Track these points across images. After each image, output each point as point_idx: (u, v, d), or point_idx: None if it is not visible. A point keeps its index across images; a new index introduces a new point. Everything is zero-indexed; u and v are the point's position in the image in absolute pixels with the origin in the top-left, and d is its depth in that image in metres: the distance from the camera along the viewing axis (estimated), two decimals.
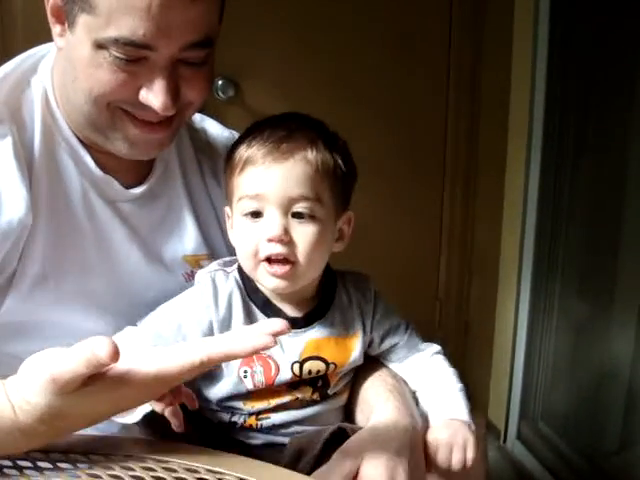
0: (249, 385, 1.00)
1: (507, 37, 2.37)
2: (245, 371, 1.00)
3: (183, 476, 0.78)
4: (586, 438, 2.19)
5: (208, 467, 0.80)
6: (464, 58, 2.57)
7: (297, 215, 0.96)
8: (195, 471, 0.79)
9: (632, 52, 1.96)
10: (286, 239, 0.95)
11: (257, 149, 0.97)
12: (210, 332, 0.99)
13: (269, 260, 0.96)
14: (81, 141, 1.04)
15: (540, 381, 2.39)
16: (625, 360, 2.03)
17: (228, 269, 1.03)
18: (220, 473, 0.79)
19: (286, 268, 0.96)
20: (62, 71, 1.00)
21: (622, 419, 2.06)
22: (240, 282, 1.02)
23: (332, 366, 1.04)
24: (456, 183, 2.66)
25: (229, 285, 1.02)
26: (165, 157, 1.12)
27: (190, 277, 1.11)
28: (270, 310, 1.02)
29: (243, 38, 2.32)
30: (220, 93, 2.36)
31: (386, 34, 2.48)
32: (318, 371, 1.03)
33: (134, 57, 0.91)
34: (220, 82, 2.35)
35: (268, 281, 0.98)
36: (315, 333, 1.03)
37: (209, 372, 1.01)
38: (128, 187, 1.08)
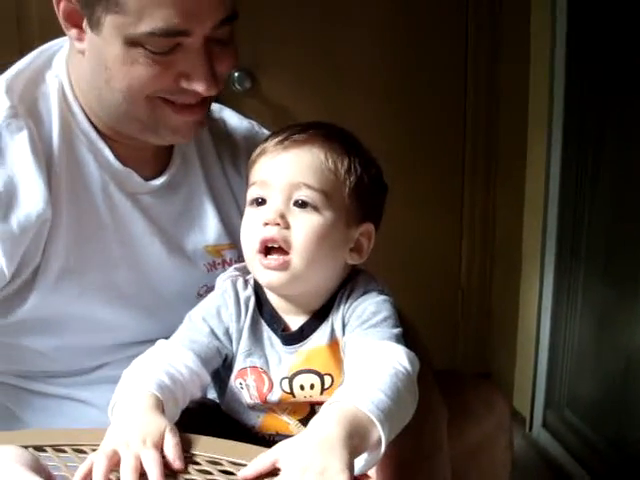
0: (247, 398, 0.99)
1: (524, 28, 2.34)
2: (240, 383, 0.99)
3: (206, 468, 0.78)
4: (613, 425, 2.17)
5: (231, 459, 0.80)
6: (481, 49, 2.53)
7: (299, 204, 0.93)
8: (218, 463, 0.79)
9: None
10: (282, 224, 0.92)
11: (271, 140, 0.97)
12: (227, 339, 0.98)
13: (265, 253, 0.93)
14: (100, 134, 1.04)
15: (565, 368, 2.37)
16: None
17: (247, 276, 1.01)
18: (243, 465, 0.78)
19: (280, 259, 0.92)
20: (89, 73, 1.00)
21: None
22: (255, 291, 1.00)
23: (328, 379, 0.97)
24: (477, 171, 2.64)
25: (247, 293, 1.00)
26: (183, 148, 1.12)
27: (212, 267, 1.11)
28: (276, 323, 0.98)
29: (259, 30, 2.31)
30: (237, 85, 2.35)
31: (404, 28, 2.46)
32: (312, 385, 0.97)
33: (169, 46, 0.93)
34: (237, 74, 2.34)
35: (262, 275, 0.95)
36: (312, 344, 0.98)
37: (217, 380, 1.01)
38: (147, 179, 1.09)
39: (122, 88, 0.96)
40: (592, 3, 2.13)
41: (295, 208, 0.93)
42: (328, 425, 0.77)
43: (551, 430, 2.40)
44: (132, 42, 0.92)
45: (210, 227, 1.14)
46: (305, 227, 0.93)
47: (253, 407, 1.00)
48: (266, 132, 1.21)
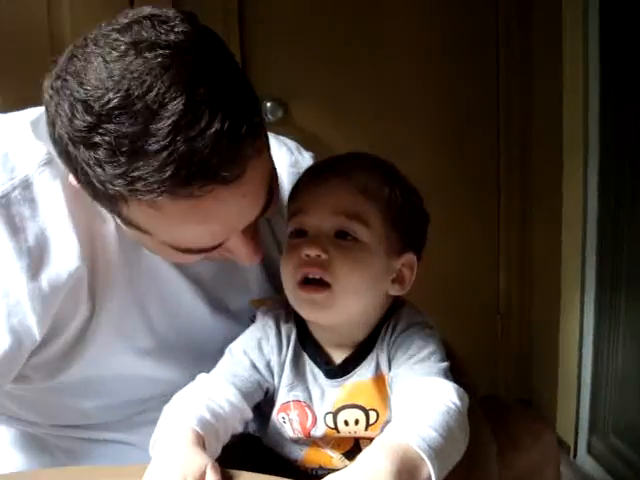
0: (289, 432, 0.97)
1: (556, 51, 2.32)
2: (283, 417, 0.97)
3: None
4: None
5: None
6: (514, 71, 2.52)
7: (340, 235, 0.91)
8: None
9: None
10: (324, 256, 0.90)
11: (311, 169, 0.97)
12: (269, 372, 0.97)
13: (306, 285, 0.91)
14: None
15: (609, 393, 2.32)
16: None
17: (290, 308, 0.99)
18: None
19: (322, 296, 0.90)
20: None
21: None
22: (297, 323, 0.99)
23: (373, 414, 0.95)
24: (512, 196, 2.62)
25: (289, 326, 0.99)
26: None
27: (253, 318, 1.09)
28: (319, 357, 0.97)
29: (290, 59, 2.33)
30: (269, 115, 2.36)
31: (433, 52, 2.47)
32: (357, 421, 0.95)
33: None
34: (269, 104, 2.35)
35: (303, 307, 0.93)
36: (356, 378, 0.96)
37: (258, 414, 0.99)
38: None
39: (168, 257, 0.93)
40: (625, 17, 2.11)
41: (336, 240, 0.92)
42: (377, 460, 0.76)
43: (596, 457, 2.35)
44: (166, 245, 0.87)
45: (253, 278, 1.10)
46: (347, 259, 0.91)
47: (296, 441, 0.99)
48: (306, 155, 1.18)
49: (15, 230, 0.90)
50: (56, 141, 0.81)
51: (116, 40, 0.78)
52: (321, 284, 0.91)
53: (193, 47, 0.78)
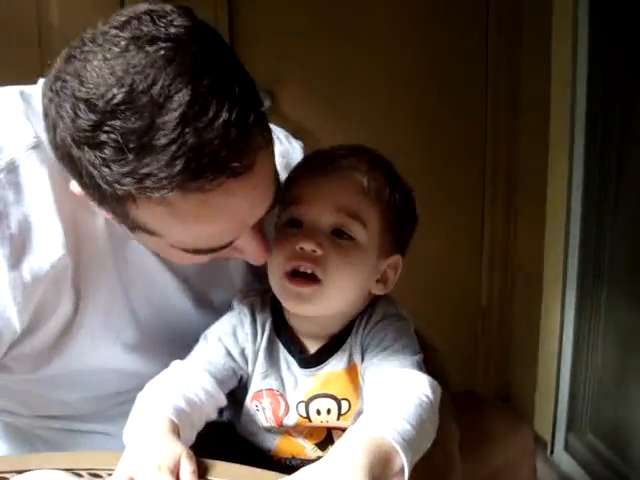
0: (262, 421, 0.97)
1: (546, 50, 2.33)
2: (256, 405, 0.97)
3: None
4: (636, 448, 2.13)
5: None
6: (501, 72, 2.52)
7: (337, 232, 0.90)
8: None
9: None
10: (318, 252, 0.89)
11: (312, 160, 0.94)
12: (243, 360, 0.96)
13: (294, 278, 0.90)
14: None
15: (588, 391, 2.33)
16: None
17: (266, 296, 0.99)
18: None
19: (310, 289, 0.89)
20: None
21: None
22: (272, 313, 0.98)
23: (345, 404, 0.95)
24: (497, 189, 2.61)
25: (264, 314, 0.98)
26: None
27: None
28: (293, 346, 0.96)
29: (277, 47, 2.32)
30: None
31: (423, 44, 2.45)
32: (329, 410, 0.95)
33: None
34: None
35: (289, 298, 0.92)
36: (329, 368, 0.96)
37: (232, 401, 0.99)
38: None
39: (176, 259, 0.91)
40: (613, 14, 2.11)
41: (332, 236, 0.90)
42: (351, 453, 0.75)
43: (573, 454, 2.36)
44: (174, 247, 0.86)
45: (236, 273, 1.09)
46: (340, 256, 0.90)
47: (269, 430, 0.98)
48: (296, 144, 1.17)
49: None
50: (58, 145, 0.79)
51: (116, 36, 0.76)
52: (310, 278, 0.89)
53: (194, 39, 0.76)
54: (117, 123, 0.72)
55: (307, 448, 0.99)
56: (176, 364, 0.94)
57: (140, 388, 0.95)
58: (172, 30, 0.76)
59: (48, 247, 0.89)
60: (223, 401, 0.94)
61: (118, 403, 1.07)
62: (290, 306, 0.94)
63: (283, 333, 0.97)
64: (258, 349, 0.96)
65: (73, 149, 0.76)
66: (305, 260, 0.89)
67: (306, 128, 2.32)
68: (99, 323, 0.97)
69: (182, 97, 0.72)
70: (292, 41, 2.34)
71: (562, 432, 2.40)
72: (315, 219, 0.91)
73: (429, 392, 0.86)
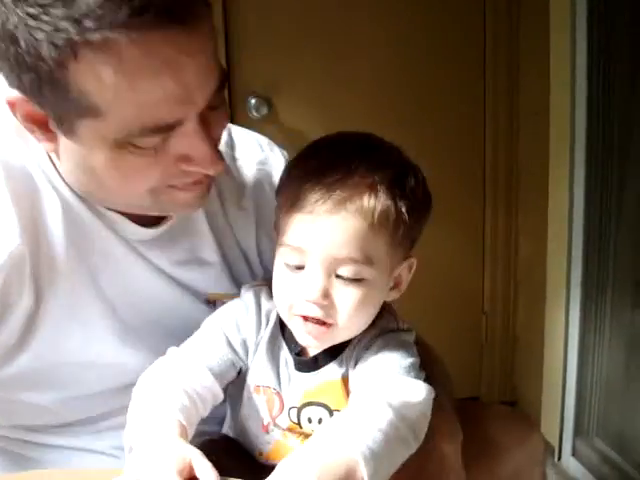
0: (260, 415, 0.95)
1: (544, 45, 2.31)
2: (254, 399, 0.95)
3: None
4: None
5: None
6: (500, 69, 2.51)
7: (342, 277, 0.86)
8: None
9: None
10: (326, 302, 0.85)
11: (309, 191, 0.86)
12: (244, 351, 0.94)
13: (305, 317, 0.88)
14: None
15: (594, 395, 2.31)
16: None
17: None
18: None
19: (322, 330, 0.87)
20: (72, 172, 0.89)
21: None
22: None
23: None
24: (498, 194, 2.61)
25: (270, 306, 0.95)
26: None
27: (213, 305, 1.04)
28: (294, 343, 0.93)
29: (274, 55, 2.31)
30: (254, 112, 2.33)
31: (421, 49, 2.45)
32: (320, 420, 0.92)
33: (162, 138, 0.81)
34: (253, 100, 2.33)
35: (300, 337, 0.90)
36: (324, 377, 0.92)
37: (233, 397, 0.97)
38: (145, 227, 0.98)
39: (117, 192, 0.86)
40: (612, 14, 2.10)
41: (337, 280, 0.86)
42: (306, 470, 0.73)
43: (581, 459, 2.34)
44: (118, 144, 0.80)
45: (215, 278, 1.05)
46: (349, 302, 0.86)
47: (266, 428, 0.96)
48: (277, 151, 1.14)
49: None
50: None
51: None
52: (322, 321, 0.87)
53: None
54: None
55: None
56: (173, 352, 0.92)
57: (125, 385, 0.92)
58: None
59: (4, 237, 0.86)
60: (220, 397, 0.91)
61: (103, 414, 1.04)
62: (301, 341, 0.91)
63: (287, 328, 0.93)
64: (259, 341, 0.94)
65: (10, 15, 0.72)
66: (313, 311, 0.86)
67: (303, 135, 2.30)
68: (65, 314, 0.93)
69: None
70: (289, 48, 2.33)
71: (569, 437, 2.38)
72: (317, 266, 0.86)
73: (411, 397, 0.83)
